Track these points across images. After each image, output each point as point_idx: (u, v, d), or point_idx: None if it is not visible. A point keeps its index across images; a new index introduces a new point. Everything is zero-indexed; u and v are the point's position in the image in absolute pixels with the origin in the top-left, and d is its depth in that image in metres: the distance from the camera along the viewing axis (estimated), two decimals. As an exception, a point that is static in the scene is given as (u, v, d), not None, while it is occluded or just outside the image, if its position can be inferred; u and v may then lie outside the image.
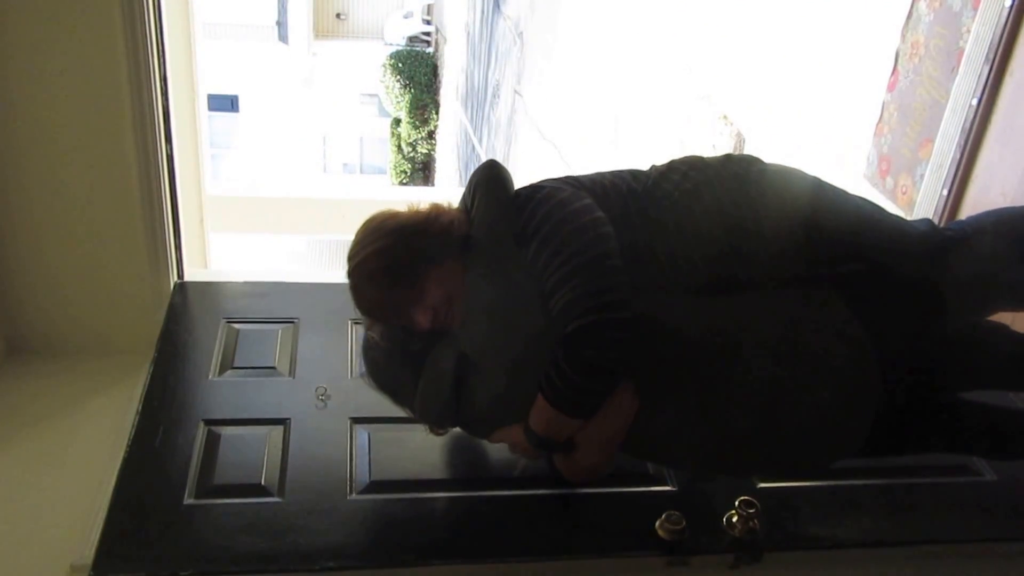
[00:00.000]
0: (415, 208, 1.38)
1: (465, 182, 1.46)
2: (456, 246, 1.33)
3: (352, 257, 1.36)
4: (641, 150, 4.68)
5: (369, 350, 1.43)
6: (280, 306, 2.10)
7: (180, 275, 2.15)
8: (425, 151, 13.83)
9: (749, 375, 1.26)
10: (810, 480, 1.66)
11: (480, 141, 9.92)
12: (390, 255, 1.32)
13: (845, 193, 1.41)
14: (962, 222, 1.54)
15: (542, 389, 1.24)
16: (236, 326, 2.02)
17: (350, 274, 1.36)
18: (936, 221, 2.10)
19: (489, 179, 1.36)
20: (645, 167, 1.43)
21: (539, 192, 1.31)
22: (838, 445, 1.34)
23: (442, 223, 1.35)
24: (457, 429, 1.49)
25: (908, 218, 2.01)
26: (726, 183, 1.33)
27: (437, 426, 1.45)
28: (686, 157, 1.41)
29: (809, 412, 1.27)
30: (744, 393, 1.27)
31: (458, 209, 1.40)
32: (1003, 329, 1.49)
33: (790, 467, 1.48)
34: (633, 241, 1.27)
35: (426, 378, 1.34)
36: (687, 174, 1.35)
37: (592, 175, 1.38)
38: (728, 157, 1.41)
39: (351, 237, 1.41)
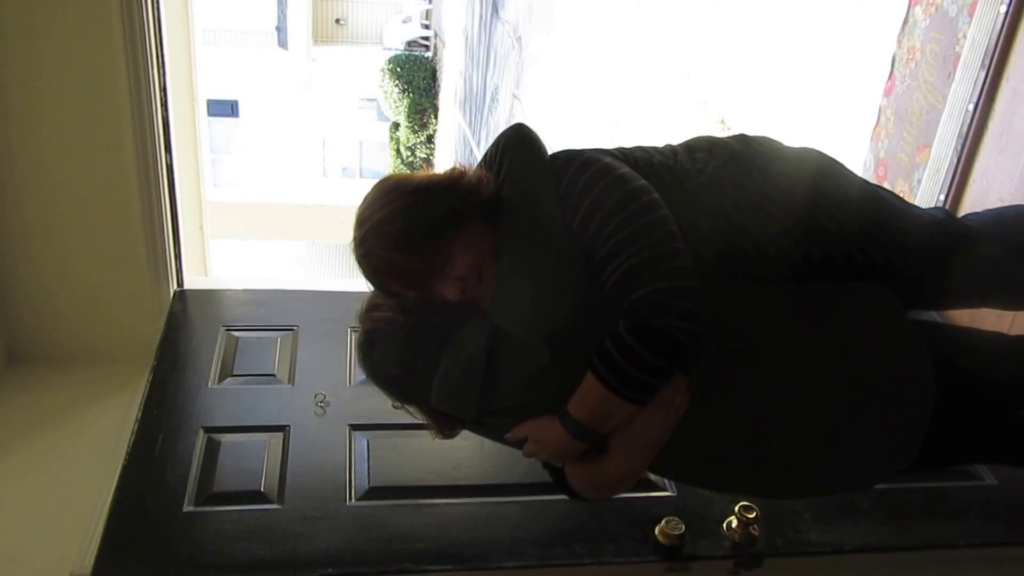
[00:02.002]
0: (432, 171, 1.24)
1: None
2: (485, 208, 1.17)
3: (364, 220, 1.16)
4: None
5: (376, 330, 1.24)
6: (279, 314, 2.10)
7: (180, 283, 2.15)
8: (424, 155, 13.84)
9: (797, 376, 1.16)
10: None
11: (479, 145, 9.94)
12: (412, 215, 1.14)
13: (863, 179, 1.38)
14: (980, 214, 1.49)
15: (593, 367, 1.08)
16: (235, 334, 2.02)
17: (362, 240, 1.16)
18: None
19: (522, 139, 1.21)
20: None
21: (580, 156, 1.19)
22: (899, 452, 1.21)
23: (469, 182, 1.19)
24: (463, 433, 1.37)
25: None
26: (750, 162, 1.27)
27: (456, 416, 1.26)
28: (701, 137, 1.34)
29: (872, 416, 1.17)
30: (806, 391, 1.16)
31: (482, 170, 1.24)
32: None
33: (848, 480, 1.31)
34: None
35: (451, 357, 1.18)
36: (712, 151, 1.28)
37: (617, 148, 1.28)
38: (744, 136, 1.34)
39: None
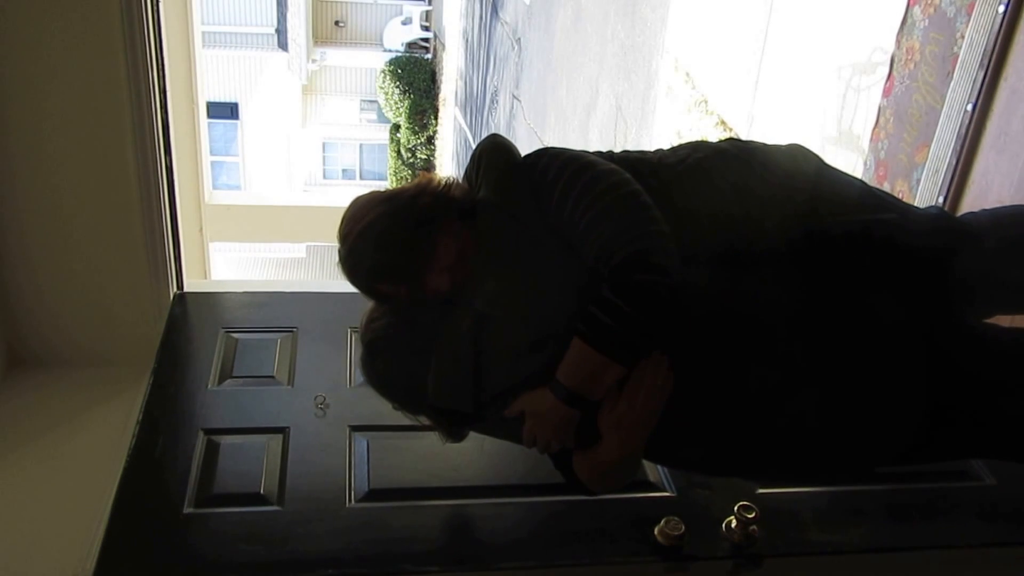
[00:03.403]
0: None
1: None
2: (458, 207, 1.26)
3: (346, 235, 1.25)
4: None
5: (375, 340, 1.29)
6: (279, 315, 2.11)
7: (179, 286, 2.16)
8: (424, 156, 13.85)
9: (794, 367, 1.18)
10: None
11: (479, 147, 9.93)
12: (389, 218, 1.23)
13: (856, 177, 1.40)
14: (977, 213, 1.49)
15: (579, 331, 1.13)
16: (235, 335, 2.03)
17: (349, 250, 1.25)
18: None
19: (494, 146, 1.30)
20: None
21: (550, 150, 1.28)
22: (887, 441, 1.24)
23: (436, 184, 1.29)
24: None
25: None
26: (735, 157, 1.31)
27: (457, 412, 1.29)
28: (691, 142, 1.39)
29: (861, 401, 1.20)
30: (791, 388, 1.18)
31: (457, 179, 1.34)
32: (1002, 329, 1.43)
33: (835, 468, 1.35)
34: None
35: (441, 351, 1.23)
36: (697, 148, 1.33)
37: (596, 151, 1.34)
38: (732, 139, 1.39)
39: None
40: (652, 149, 1.38)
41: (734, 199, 1.26)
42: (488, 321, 1.21)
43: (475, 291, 1.23)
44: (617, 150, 1.36)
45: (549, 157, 1.25)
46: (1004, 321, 1.60)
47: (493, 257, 1.23)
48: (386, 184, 14.65)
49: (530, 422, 1.22)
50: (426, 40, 14.64)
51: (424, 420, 1.33)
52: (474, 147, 1.35)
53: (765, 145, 1.36)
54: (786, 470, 1.33)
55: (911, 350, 1.23)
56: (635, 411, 1.17)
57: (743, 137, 3.51)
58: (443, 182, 1.30)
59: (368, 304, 1.33)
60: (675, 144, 1.38)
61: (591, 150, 1.33)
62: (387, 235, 1.23)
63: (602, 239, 1.14)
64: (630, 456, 1.23)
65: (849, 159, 2.66)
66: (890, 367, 1.22)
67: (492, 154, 1.30)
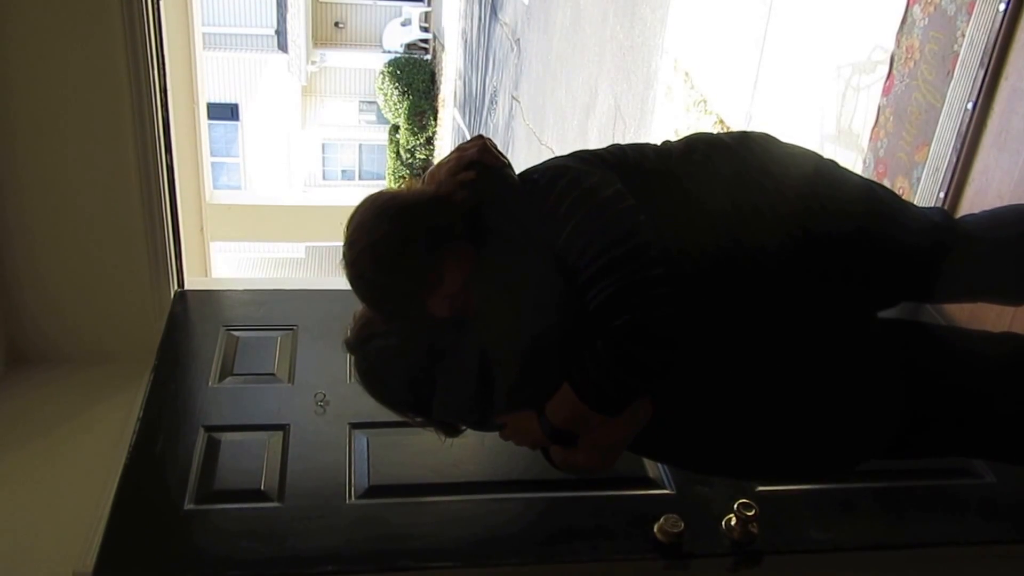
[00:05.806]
0: (415, 185, 1.27)
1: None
2: (469, 228, 1.22)
3: (354, 243, 1.20)
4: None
5: (377, 361, 1.30)
6: (279, 313, 2.11)
7: (180, 284, 2.16)
8: (423, 157, 13.85)
9: (776, 368, 1.21)
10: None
11: (479, 147, 9.92)
12: (401, 240, 1.19)
13: (859, 176, 1.40)
14: (977, 214, 1.49)
15: (572, 380, 1.14)
16: (236, 333, 2.03)
17: (353, 262, 1.21)
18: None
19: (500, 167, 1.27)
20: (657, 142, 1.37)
21: (565, 174, 1.22)
22: (865, 443, 1.27)
23: (453, 200, 1.24)
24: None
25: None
26: (746, 160, 1.29)
27: (458, 424, 1.32)
28: (702, 135, 1.36)
29: (836, 408, 1.23)
30: (771, 388, 1.21)
31: (470, 180, 1.27)
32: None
33: (815, 468, 1.37)
34: (655, 219, 1.19)
35: (448, 372, 1.23)
36: (708, 154, 1.30)
37: (612, 150, 1.31)
38: (744, 136, 1.36)
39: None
40: (662, 143, 1.35)
41: (743, 215, 1.25)
42: (491, 349, 1.21)
43: (478, 316, 1.23)
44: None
45: (564, 187, 1.19)
46: (1006, 316, 1.61)
47: (496, 285, 1.22)
48: (384, 185, 14.66)
49: (510, 432, 1.24)
50: (425, 41, 14.64)
51: (422, 423, 1.34)
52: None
53: (775, 147, 1.35)
54: (770, 468, 1.35)
55: (892, 353, 1.24)
56: (609, 438, 1.20)
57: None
58: (461, 198, 1.24)
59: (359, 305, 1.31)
60: (687, 137, 1.35)
61: (599, 148, 1.31)
62: (394, 260, 1.19)
63: (605, 294, 1.10)
64: (599, 467, 1.26)
65: (848, 158, 2.66)
66: (872, 368, 1.24)
67: (503, 171, 1.27)
